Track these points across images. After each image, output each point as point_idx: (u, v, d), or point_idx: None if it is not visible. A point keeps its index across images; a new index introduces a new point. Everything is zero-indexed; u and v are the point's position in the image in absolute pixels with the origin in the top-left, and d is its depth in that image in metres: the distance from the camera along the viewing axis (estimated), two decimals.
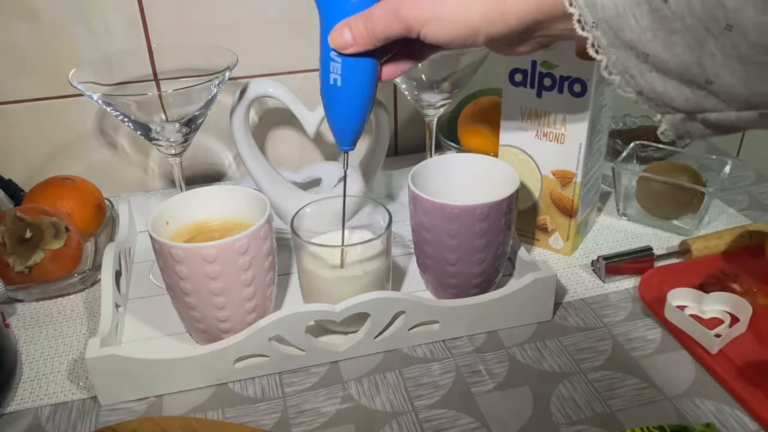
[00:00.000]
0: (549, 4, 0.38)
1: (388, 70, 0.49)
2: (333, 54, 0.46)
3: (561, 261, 0.68)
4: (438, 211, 0.55)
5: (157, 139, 0.61)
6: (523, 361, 0.55)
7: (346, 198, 0.56)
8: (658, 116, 0.39)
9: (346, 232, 0.58)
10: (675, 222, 0.71)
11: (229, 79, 0.62)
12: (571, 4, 0.37)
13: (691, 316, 0.56)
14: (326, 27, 0.46)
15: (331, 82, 0.47)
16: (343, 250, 0.56)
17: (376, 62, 0.47)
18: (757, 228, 0.67)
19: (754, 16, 0.31)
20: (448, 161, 0.62)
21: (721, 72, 0.34)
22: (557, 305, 0.61)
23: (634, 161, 0.76)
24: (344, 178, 0.55)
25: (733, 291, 0.59)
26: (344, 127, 0.50)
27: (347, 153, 0.52)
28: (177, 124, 0.60)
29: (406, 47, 0.48)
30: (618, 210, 0.74)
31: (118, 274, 0.63)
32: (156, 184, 0.85)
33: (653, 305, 0.59)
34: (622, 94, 0.39)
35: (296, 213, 0.58)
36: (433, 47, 0.48)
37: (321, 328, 0.57)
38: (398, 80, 0.65)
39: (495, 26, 0.41)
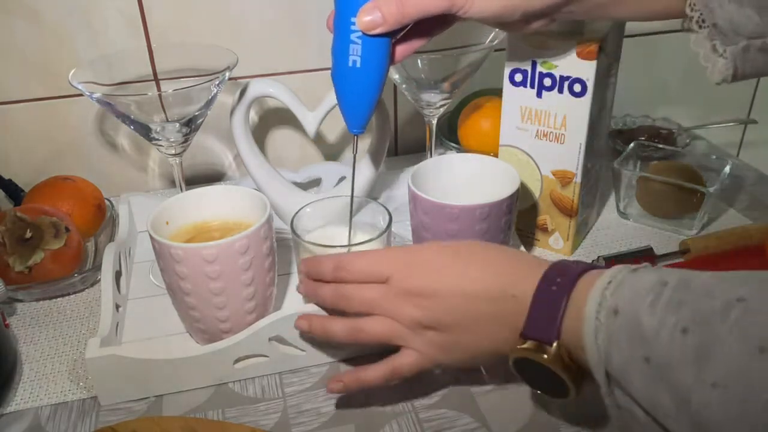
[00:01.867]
0: None
1: (401, 50, 0.51)
2: (355, 36, 0.47)
3: None
4: (438, 211, 0.55)
5: (157, 139, 0.61)
6: None
7: (347, 197, 0.56)
8: (721, 50, 0.45)
9: (346, 231, 0.58)
10: (675, 222, 0.71)
11: (229, 79, 0.62)
12: None
13: None
14: (346, 10, 0.47)
15: (350, 64, 0.48)
16: (345, 250, 0.56)
17: (390, 42, 0.49)
18: (757, 228, 0.67)
19: None
20: (448, 161, 0.62)
21: None
22: None
23: (635, 161, 0.76)
24: (353, 162, 0.56)
25: None
26: (358, 110, 0.51)
27: (357, 136, 0.54)
28: (177, 124, 0.60)
29: (418, 26, 0.49)
30: (618, 210, 0.74)
31: (118, 274, 0.63)
32: (156, 184, 0.85)
33: None
34: (693, 48, 0.47)
35: (296, 213, 0.58)
36: (445, 25, 0.51)
37: None
38: (398, 80, 0.65)
39: (534, 3, 0.46)
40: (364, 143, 0.87)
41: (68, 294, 0.65)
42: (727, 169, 0.71)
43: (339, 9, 0.48)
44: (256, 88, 0.67)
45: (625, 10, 0.50)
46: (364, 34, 0.47)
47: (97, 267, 0.64)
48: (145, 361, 0.51)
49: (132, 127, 0.60)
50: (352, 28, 0.47)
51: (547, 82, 0.60)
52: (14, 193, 0.75)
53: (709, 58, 0.47)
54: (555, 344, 0.40)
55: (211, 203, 0.58)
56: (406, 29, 0.50)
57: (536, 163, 0.65)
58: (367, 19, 0.46)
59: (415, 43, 0.51)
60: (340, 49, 0.48)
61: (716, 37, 0.45)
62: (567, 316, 0.39)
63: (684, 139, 0.86)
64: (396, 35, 0.49)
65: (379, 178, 0.76)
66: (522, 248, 0.63)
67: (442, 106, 0.67)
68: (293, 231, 0.56)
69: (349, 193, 0.58)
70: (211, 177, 0.86)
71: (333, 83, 0.51)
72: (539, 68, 0.60)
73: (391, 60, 0.51)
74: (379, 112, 0.68)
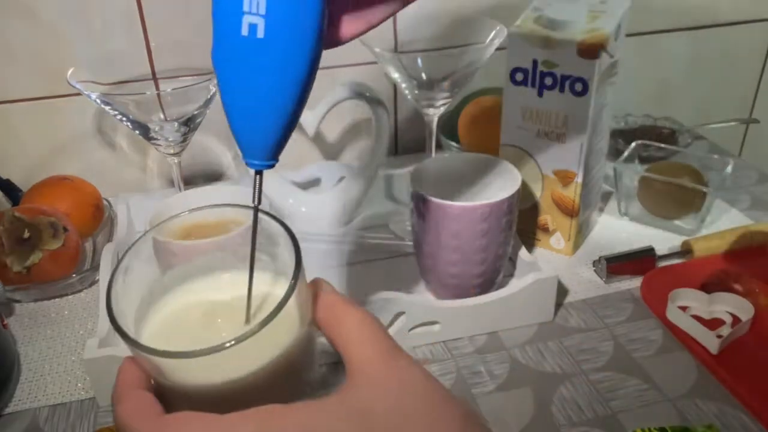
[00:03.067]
0: None
1: (352, 22, 0.31)
2: None
3: (562, 261, 0.67)
4: (438, 211, 0.55)
5: (156, 139, 0.61)
6: (524, 362, 0.55)
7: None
8: None
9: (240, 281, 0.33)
10: (677, 222, 0.71)
11: None
12: None
13: (693, 316, 0.56)
14: None
15: (244, 32, 0.28)
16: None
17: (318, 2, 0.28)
18: (759, 228, 0.67)
19: None
20: (448, 161, 0.62)
21: None
22: (558, 306, 0.61)
23: (636, 161, 0.76)
24: (255, 215, 0.33)
25: (735, 291, 0.58)
26: (261, 122, 0.29)
27: (261, 175, 0.31)
28: (176, 124, 0.60)
29: None
30: (619, 210, 0.74)
31: None
32: (155, 184, 0.85)
33: (655, 306, 0.59)
34: None
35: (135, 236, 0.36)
36: None
37: None
38: (398, 80, 0.65)
39: None
40: (364, 143, 0.87)
41: (66, 294, 0.65)
42: (729, 168, 0.70)
43: None
44: None
45: None
46: None
47: (95, 267, 0.64)
48: None
49: (130, 126, 0.60)
50: None
51: (548, 81, 0.60)
52: (12, 192, 0.74)
53: None
54: None
55: (210, 203, 0.57)
56: None
57: (537, 163, 0.65)
58: None
59: (374, 13, 0.31)
60: (223, 16, 0.28)
61: None
62: None
63: (685, 138, 0.86)
64: None
65: (379, 178, 0.75)
66: (523, 248, 0.62)
67: (442, 105, 0.66)
68: (108, 299, 0.30)
69: (350, 196, 0.55)
70: (210, 177, 0.86)
71: (215, 71, 0.30)
72: (540, 67, 0.60)
73: (330, 34, 0.30)
74: (379, 112, 0.67)
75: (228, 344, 0.27)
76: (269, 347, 0.29)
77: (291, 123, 0.30)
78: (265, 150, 0.30)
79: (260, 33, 0.27)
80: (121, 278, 0.31)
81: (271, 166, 0.31)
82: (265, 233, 0.33)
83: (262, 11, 0.27)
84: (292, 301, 0.29)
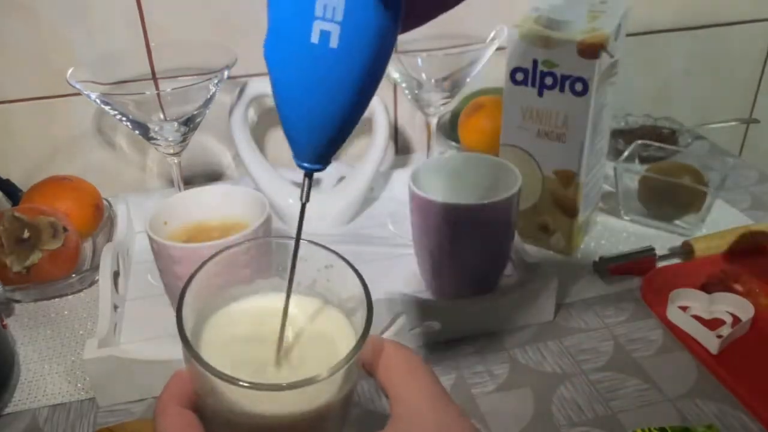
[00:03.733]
0: None
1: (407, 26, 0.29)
2: None
3: (562, 261, 0.67)
4: (438, 211, 0.55)
5: (156, 139, 0.61)
6: (524, 362, 0.55)
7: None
8: None
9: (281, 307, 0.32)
10: (677, 222, 0.71)
11: (228, 78, 0.61)
12: None
13: (693, 316, 0.56)
14: None
15: (314, 39, 0.25)
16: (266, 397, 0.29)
17: (398, 13, 0.26)
18: (759, 228, 0.67)
19: None
20: (448, 161, 0.62)
21: None
22: (558, 306, 0.61)
23: (636, 161, 0.76)
24: (301, 215, 0.31)
25: (735, 291, 0.58)
26: (318, 129, 0.28)
27: (311, 177, 0.30)
28: (175, 124, 0.60)
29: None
30: (620, 210, 0.74)
31: (116, 275, 0.62)
32: (154, 184, 0.85)
33: (655, 306, 0.59)
34: None
35: (196, 272, 0.32)
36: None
37: None
38: (398, 80, 0.65)
39: None
40: (364, 143, 0.87)
41: (66, 294, 0.65)
42: (729, 168, 0.70)
43: None
44: (255, 87, 0.67)
45: None
46: None
47: (95, 267, 0.64)
48: (144, 361, 0.50)
49: (130, 126, 0.60)
50: None
51: (549, 81, 0.60)
52: (12, 192, 0.74)
53: None
54: None
55: (209, 203, 0.58)
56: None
57: (537, 163, 0.65)
58: None
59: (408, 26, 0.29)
60: (292, 10, 0.25)
61: None
62: None
63: (686, 138, 0.86)
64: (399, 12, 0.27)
65: (379, 178, 0.75)
66: (523, 248, 0.62)
67: (442, 105, 0.66)
68: (181, 327, 0.31)
69: (350, 196, 0.56)
70: (210, 176, 0.86)
71: (270, 75, 0.27)
72: (540, 67, 0.60)
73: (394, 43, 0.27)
74: (378, 112, 0.67)
75: (286, 384, 0.27)
76: (326, 391, 0.29)
77: (349, 130, 0.29)
78: (318, 154, 0.29)
79: (333, 43, 0.24)
80: (190, 291, 0.31)
81: (322, 169, 0.30)
82: (336, 273, 0.33)
83: (339, 18, 0.24)
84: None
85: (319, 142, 0.28)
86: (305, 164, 0.29)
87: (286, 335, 0.31)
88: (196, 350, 0.29)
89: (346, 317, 0.33)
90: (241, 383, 0.26)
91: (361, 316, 0.30)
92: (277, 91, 0.27)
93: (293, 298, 0.31)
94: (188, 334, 0.30)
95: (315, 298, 0.34)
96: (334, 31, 0.24)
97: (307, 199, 0.30)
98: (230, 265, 0.33)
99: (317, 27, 0.24)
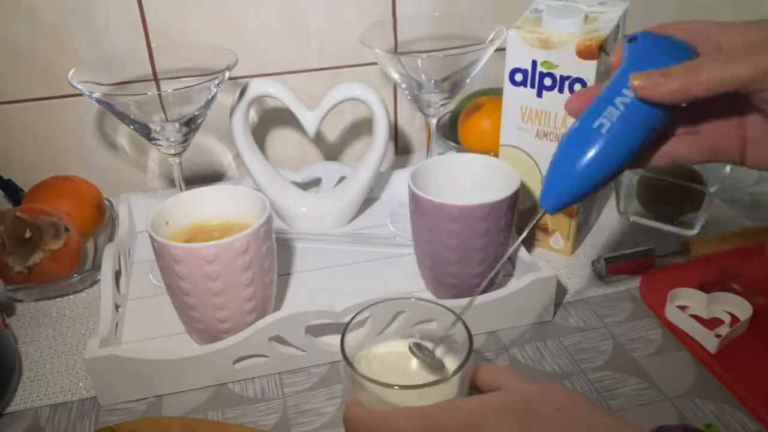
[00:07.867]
0: None
1: (658, 151, 0.41)
2: (620, 100, 0.38)
3: (561, 261, 0.67)
4: (438, 211, 0.55)
5: (157, 139, 0.61)
6: (523, 362, 0.55)
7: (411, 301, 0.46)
8: None
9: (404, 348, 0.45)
10: (676, 222, 0.71)
11: (229, 78, 0.62)
12: None
13: (692, 316, 0.56)
14: (626, 71, 0.38)
15: (595, 125, 0.38)
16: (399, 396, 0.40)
17: (660, 120, 0.38)
18: (758, 228, 0.67)
19: None
20: (448, 161, 0.62)
21: None
22: (558, 305, 0.61)
23: None
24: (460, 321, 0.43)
25: (733, 291, 0.59)
26: (570, 181, 0.39)
27: (545, 212, 0.41)
28: (177, 124, 0.60)
29: (684, 114, 0.40)
30: (619, 210, 0.74)
31: (117, 275, 0.63)
32: (155, 184, 0.85)
33: (654, 305, 0.59)
34: None
35: (349, 322, 0.44)
36: (726, 114, 0.40)
37: (321, 328, 0.57)
38: (398, 80, 0.65)
39: None
40: (364, 143, 0.87)
41: (68, 294, 0.65)
42: (728, 168, 0.70)
43: (619, 74, 0.39)
44: (255, 87, 0.67)
45: None
46: (637, 99, 0.37)
47: (96, 267, 0.64)
48: (145, 361, 0.51)
49: (132, 126, 0.60)
50: (623, 92, 0.38)
51: (548, 81, 0.60)
52: (14, 192, 0.74)
53: None
54: None
55: (210, 203, 0.58)
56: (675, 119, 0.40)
57: (537, 163, 0.65)
58: (646, 80, 0.37)
59: (675, 145, 0.40)
60: (589, 113, 0.38)
61: None
62: None
63: None
64: (664, 122, 0.38)
65: (379, 178, 0.76)
66: (522, 248, 0.63)
67: (442, 106, 0.67)
68: (344, 354, 0.41)
69: (351, 196, 0.56)
70: (211, 177, 0.86)
71: (559, 145, 0.40)
72: (539, 68, 0.60)
73: (643, 148, 0.39)
74: (378, 112, 0.67)
75: (425, 384, 0.39)
76: (448, 392, 0.40)
77: (585, 190, 0.39)
78: (560, 202, 0.39)
79: (604, 130, 0.38)
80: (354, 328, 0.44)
81: (553, 213, 0.40)
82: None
83: (613, 118, 0.38)
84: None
85: (569, 195, 0.39)
86: (545, 204, 0.40)
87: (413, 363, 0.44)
88: (359, 371, 0.40)
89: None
90: (394, 386, 0.39)
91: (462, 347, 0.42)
92: (564, 155, 0.39)
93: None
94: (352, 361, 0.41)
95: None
96: (607, 124, 0.38)
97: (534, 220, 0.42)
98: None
99: (599, 120, 0.38)
